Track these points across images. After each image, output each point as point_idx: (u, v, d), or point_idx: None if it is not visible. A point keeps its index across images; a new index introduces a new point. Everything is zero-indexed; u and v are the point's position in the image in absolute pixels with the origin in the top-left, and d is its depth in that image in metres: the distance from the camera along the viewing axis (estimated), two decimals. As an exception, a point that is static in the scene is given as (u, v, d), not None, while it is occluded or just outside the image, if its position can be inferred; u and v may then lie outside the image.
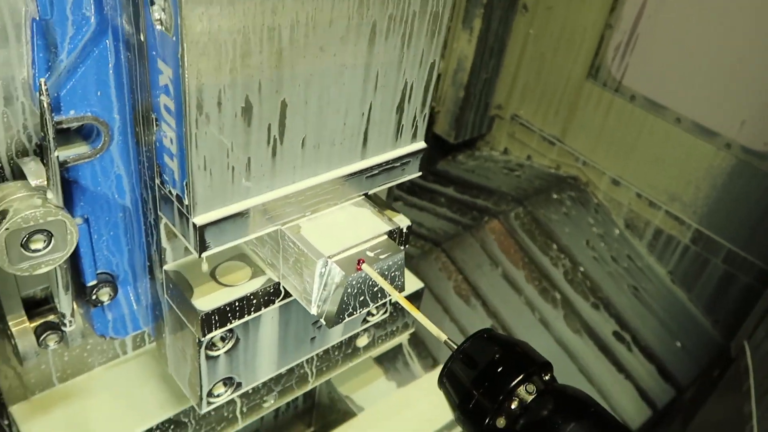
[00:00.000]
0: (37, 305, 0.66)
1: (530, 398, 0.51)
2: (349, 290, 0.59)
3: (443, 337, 0.58)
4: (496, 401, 0.51)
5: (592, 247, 2.04)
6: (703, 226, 1.81)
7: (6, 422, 0.73)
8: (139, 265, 0.70)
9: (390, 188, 0.74)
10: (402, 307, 0.94)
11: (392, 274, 0.62)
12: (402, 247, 0.65)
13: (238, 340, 0.67)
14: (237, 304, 0.62)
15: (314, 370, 0.87)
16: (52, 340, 0.65)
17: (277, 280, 0.64)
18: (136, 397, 0.75)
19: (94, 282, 0.68)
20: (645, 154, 1.87)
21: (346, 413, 1.04)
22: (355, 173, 0.63)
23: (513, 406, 0.51)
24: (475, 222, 1.99)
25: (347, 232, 0.62)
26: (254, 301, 0.64)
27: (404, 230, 0.72)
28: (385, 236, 0.63)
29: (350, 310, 0.61)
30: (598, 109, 1.94)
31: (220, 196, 0.55)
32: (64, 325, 0.63)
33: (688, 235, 1.85)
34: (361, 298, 0.61)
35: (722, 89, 1.63)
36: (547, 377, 0.53)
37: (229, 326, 0.63)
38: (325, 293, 0.60)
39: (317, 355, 0.83)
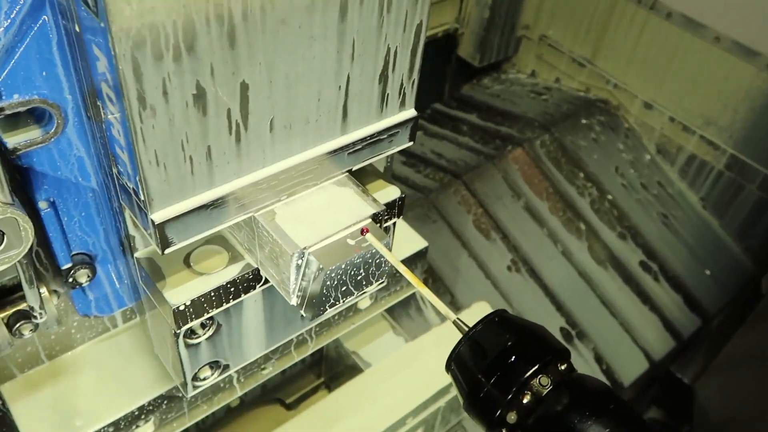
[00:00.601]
0: (9, 293, 0.63)
1: (545, 391, 0.46)
2: (328, 282, 0.55)
3: (453, 316, 0.53)
4: (508, 394, 0.46)
5: (621, 174, 1.96)
6: (739, 151, 1.71)
7: (1, 402, 0.72)
8: (116, 245, 0.66)
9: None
10: (406, 266, 0.90)
11: (376, 261, 0.57)
12: (387, 233, 0.60)
13: (219, 325, 0.63)
14: (213, 294, 0.58)
15: (313, 336, 0.85)
16: (26, 329, 0.62)
17: (255, 266, 0.60)
18: (128, 373, 0.74)
19: (69, 265, 0.65)
20: (680, 75, 1.75)
21: (354, 368, 1.02)
22: (334, 151, 0.57)
23: (525, 400, 0.46)
24: (498, 152, 1.91)
25: (326, 217, 0.56)
26: (232, 290, 0.60)
27: (397, 201, 0.66)
28: (369, 220, 0.57)
29: (331, 301, 0.56)
30: (632, 28, 1.80)
31: (179, 189, 0.50)
32: (35, 317, 0.60)
33: (723, 160, 1.76)
34: (344, 288, 0.56)
35: (765, 5, 1.49)
36: (563, 367, 0.48)
37: (206, 316, 0.60)
38: (304, 283, 0.56)
39: (314, 322, 0.80)
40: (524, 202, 1.82)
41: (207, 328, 0.63)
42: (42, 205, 0.60)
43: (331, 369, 1.10)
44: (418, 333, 1.09)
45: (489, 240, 1.75)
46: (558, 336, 1.62)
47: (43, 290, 0.62)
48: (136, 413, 0.72)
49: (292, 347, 0.83)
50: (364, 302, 0.88)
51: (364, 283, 0.58)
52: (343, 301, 0.57)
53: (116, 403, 0.72)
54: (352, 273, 0.56)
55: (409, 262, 0.89)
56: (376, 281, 0.59)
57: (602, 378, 1.59)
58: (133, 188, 0.50)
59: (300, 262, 0.55)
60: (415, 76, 0.59)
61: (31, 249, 0.63)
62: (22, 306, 0.61)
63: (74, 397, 0.72)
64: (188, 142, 0.48)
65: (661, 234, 1.86)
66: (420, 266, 0.90)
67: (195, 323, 0.60)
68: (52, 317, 0.63)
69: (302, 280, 0.56)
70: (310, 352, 0.86)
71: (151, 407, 0.73)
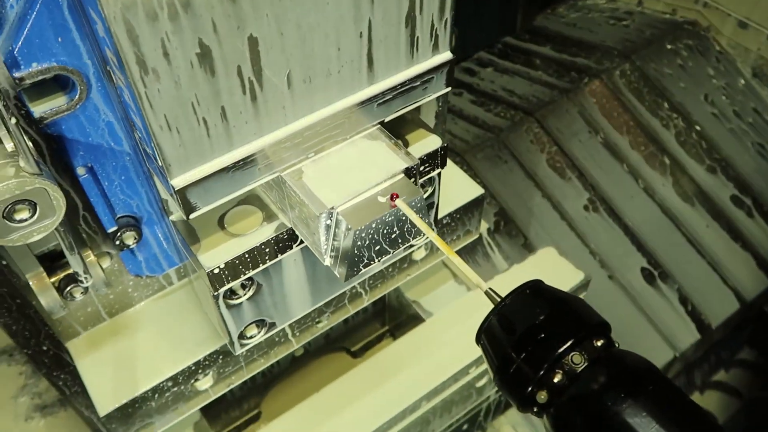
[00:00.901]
0: (59, 257, 0.65)
1: (579, 369, 0.43)
2: (359, 242, 0.52)
3: (484, 285, 0.50)
4: (538, 372, 0.43)
5: (711, 102, 1.82)
6: None
7: (68, 357, 0.76)
8: (159, 206, 0.66)
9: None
10: (460, 215, 0.86)
11: (410, 220, 0.54)
12: (431, 185, 0.56)
13: (260, 285, 0.63)
14: (247, 256, 0.58)
15: (367, 288, 0.83)
16: (77, 292, 0.64)
17: (290, 225, 0.59)
18: (184, 329, 0.75)
19: (115, 228, 0.65)
20: (779, -11, 1.58)
21: (416, 318, 1.01)
22: (362, 103, 0.54)
23: (557, 379, 0.43)
24: (574, 85, 1.80)
25: (356, 173, 0.54)
26: (267, 250, 0.59)
27: (439, 151, 0.63)
28: (401, 176, 0.54)
29: (365, 261, 0.54)
30: (722, -62, 1.64)
31: (197, 153, 0.48)
32: (81, 281, 0.62)
33: (829, 81, 1.59)
34: (377, 247, 0.54)
35: None
36: (600, 342, 0.44)
37: (243, 278, 0.59)
38: (335, 243, 0.54)
39: (366, 276, 0.79)
40: (602, 138, 1.72)
41: (247, 289, 0.62)
42: (80, 171, 0.60)
43: (394, 318, 1.09)
44: (487, 279, 1.06)
45: (564, 179, 1.67)
46: (639, 277, 1.56)
47: (89, 254, 0.63)
48: (193, 368, 0.74)
49: (346, 300, 0.82)
50: (419, 253, 0.86)
51: (399, 241, 0.55)
52: (379, 261, 0.55)
53: (174, 358, 0.74)
54: (385, 232, 0.53)
55: (464, 211, 0.85)
56: (413, 238, 0.56)
57: (687, 320, 1.52)
58: (152, 154, 0.49)
59: (329, 222, 0.52)
60: (448, 15, 0.54)
61: (70, 217, 0.64)
62: (71, 270, 0.63)
63: (134, 353, 0.74)
64: (199, 104, 0.46)
65: (756, 166, 1.72)
66: (477, 214, 0.86)
67: (231, 285, 0.59)
68: (99, 280, 0.64)
69: (333, 240, 0.54)
70: (365, 305, 0.85)
71: (207, 362, 0.74)
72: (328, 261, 0.55)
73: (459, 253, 1.01)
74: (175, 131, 0.46)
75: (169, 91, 0.44)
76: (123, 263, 0.71)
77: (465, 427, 1.11)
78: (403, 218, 0.54)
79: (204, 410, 0.91)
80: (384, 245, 0.54)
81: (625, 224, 1.61)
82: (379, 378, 0.91)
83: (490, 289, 0.49)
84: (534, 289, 0.46)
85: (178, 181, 0.49)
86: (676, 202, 1.68)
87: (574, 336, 0.43)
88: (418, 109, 0.73)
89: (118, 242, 0.66)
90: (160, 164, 0.48)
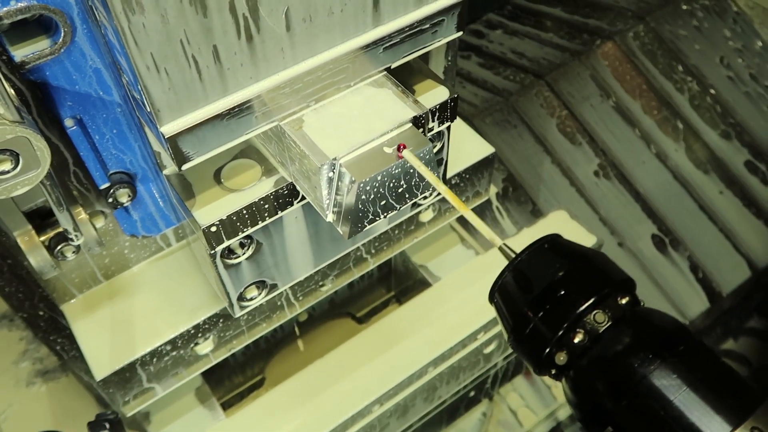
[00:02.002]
0: (49, 215, 0.62)
1: (601, 328, 0.40)
2: (363, 196, 0.49)
3: (498, 241, 0.47)
4: (557, 331, 0.41)
5: (727, 64, 1.76)
6: None
7: (64, 320, 0.73)
8: (154, 162, 0.63)
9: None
10: (469, 175, 0.83)
11: (418, 173, 0.51)
12: (440, 139, 0.53)
13: (260, 244, 0.60)
14: (245, 212, 0.54)
15: (372, 251, 0.80)
16: (68, 251, 0.61)
17: (290, 180, 0.55)
18: (183, 291, 0.72)
19: (107, 185, 0.62)
20: (801, -56, 1.52)
21: (423, 282, 0.98)
22: (367, 46, 0.50)
23: (577, 339, 0.40)
24: (586, 47, 1.75)
25: (361, 123, 0.50)
26: (266, 207, 0.55)
27: (449, 103, 0.59)
28: (408, 125, 0.50)
29: (370, 216, 0.51)
30: None
31: (189, 98, 0.45)
32: (71, 239, 0.59)
33: None
34: (383, 202, 0.51)
35: None
36: (625, 300, 0.41)
37: (241, 235, 0.56)
38: (338, 198, 0.51)
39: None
40: (614, 102, 1.68)
41: (246, 248, 0.59)
42: (68, 122, 0.57)
43: (401, 283, 1.06)
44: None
45: (574, 144, 1.63)
46: (649, 244, 1.52)
47: (80, 212, 0.60)
48: (192, 332, 0.71)
49: (350, 263, 0.79)
50: (427, 215, 0.83)
51: (407, 195, 0.52)
52: (385, 216, 0.52)
53: (172, 321, 0.71)
54: (392, 185, 0.50)
55: (474, 170, 0.81)
56: (421, 193, 0.52)
57: (697, 288, 1.49)
58: (140, 99, 0.45)
59: (331, 174, 0.49)
60: (459, -50, 0.50)
61: (59, 172, 0.61)
62: (62, 228, 0.60)
63: (132, 316, 0.72)
64: (189, 43, 0.42)
65: (772, 130, 1.68)
66: (487, 175, 0.83)
67: (229, 243, 0.56)
68: (92, 239, 0.61)
69: (336, 194, 0.50)
70: (370, 268, 0.82)
71: (207, 326, 0.72)
72: (330, 217, 0.52)
73: (464, 219, 0.99)
74: (164, 72, 0.43)
75: (155, 27, 0.40)
76: (118, 223, 0.68)
77: (472, 393, 1.09)
78: (411, 171, 0.50)
79: (206, 376, 0.88)
80: (390, 200, 0.51)
81: (636, 190, 1.57)
82: (384, 344, 0.88)
83: (504, 244, 0.45)
84: (552, 244, 0.43)
85: (169, 128, 0.45)
86: (688, 168, 1.63)
87: (596, 293, 0.40)
88: (426, 59, 0.69)
89: (111, 200, 0.63)
90: (149, 110, 0.45)
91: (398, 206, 0.52)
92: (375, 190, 0.49)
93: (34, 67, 0.51)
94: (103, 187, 0.62)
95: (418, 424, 0.98)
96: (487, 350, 0.96)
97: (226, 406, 1.01)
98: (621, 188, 1.58)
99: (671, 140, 1.66)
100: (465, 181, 0.82)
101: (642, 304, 0.42)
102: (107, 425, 0.69)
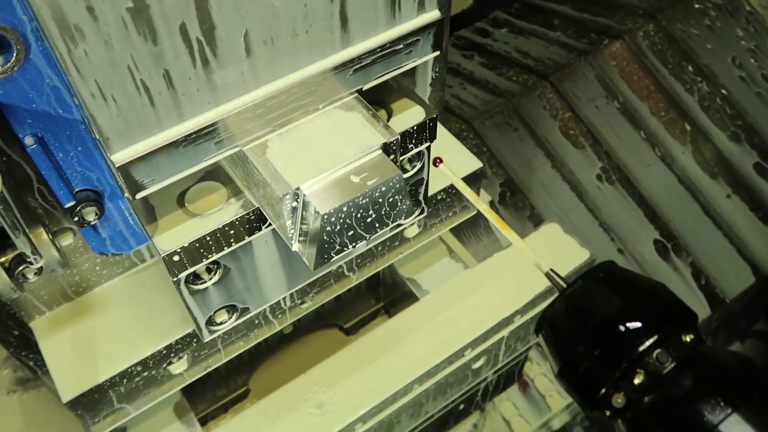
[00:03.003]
0: (6, 236, 0.59)
1: (665, 369, 0.37)
2: (329, 228, 0.46)
3: (545, 267, 0.43)
4: (615, 371, 0.37)
5: (739, 65, 1.72)
6: None
7: (34, 337, 0.71)
8: (121, 179, 0.60)
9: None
10: (456, 190, 0.80)
11: (389, 200, 0.48)
12: (419, 160, 0.50)
13: (228, 269, 0.57)
14: (209, 238, 0.52)
15: (355, 268, 0.78)
16: (30, 273, 0.59)
17: (257, 205, 0.52)
18: (156, 310, 0.70)
19: (72, 203, 0.60)
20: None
21: (411, 295, 0.95)
22: (335, 68, 0.47)
23: (637, 381, 0.37)
24: (593, 46, 1.71)
25: (327, 149, 0.47)
26: (232, 232, 0.53)
27: (427, 123, 0.56)
28: (378, 152, 0.47)
29: (337, 247, 0.48)
30: None
31: (140, 125, 0.42)
32: (29, 263, 0.56)
33: None
34: (351, 232, 0.48)
35: None
36: (689, 338, 0.38)
37: (206, 261, 0.53)
38: (304, 227, 0.48)
39: (353, 255, 0.73)
40: (620, 103, 1.64)
41: (213, 273, 0.56)
42: (28, 140, 0.54)
43: (389, 294, 1.04)
44: (487, 255, 0.99)
45: (577, 147, 1.59)
46: (651, 250, 1.49)
47: (41, 233, 0.58)
48: (165, 352, 0.69)
49: (332, 280, 0.77)
50: (412, 230, 0.80)
51: (377, 225, 0.49)
52: (353, 247, 0.49)
53: (144, 341, 0.68)
54: (359, 215, 0.47)
55: (463, 184, 0.78)
56: (393, 222, 0.50)
57: (699, 295, 1.45)
58: (89, 124, 0.43)
59: (295, 204, 0.46)
60: (436, -34, 0.47)
61: (17, 191, 0.58)
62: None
63: (101, 335, 0.69)
64: (138, 69, 0.39)
65: (783, 132, 1.63)
66: (475, 189, 0.80)
67: (196, 269, 0.54)
68: (53, 260, 0.58)
69: (301, 223, 0.48)
70: (353, 284, 0.80)
71: (180, 345, 0.69)
72: (296, 246, 0.49)
73: (458, 228, 0.96)
74: (111, 100, 0.40)
75: (98, 53, 0.37)
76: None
77: (462, 407, 1.06)
78: (380, 200, 0.47)
79: (186, 388, 0.86)
80: (358, 230, 0.48)
81: (640, 194, 1.54)
82: (370, 358, 0.86)
83: (551, 270, 0.42)
84: (608, 273, 0.39)
85: (119, 157, 0.43)
86: (695, 171, 1.60)
87: (659, 330, 0.37)
88: (410, 75, 0.66)
89: (77, 218, 0.60)
90: (98, 137, 0.42)
91: (368, 236, 0.49)
92: (341, 220, 0.47)
93: (-14, 85, 0.48)
94: (68, 205, 0.60)
95: (404, 439, 0.96)
96: (476, 365, 0.93)
97: (209, 418, 0.99)
98: (623, 192, 1.55)
99: (678, 143, 1.62)
100: (451, 196, 0.79)
101: (705, 342, 0.38)
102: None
